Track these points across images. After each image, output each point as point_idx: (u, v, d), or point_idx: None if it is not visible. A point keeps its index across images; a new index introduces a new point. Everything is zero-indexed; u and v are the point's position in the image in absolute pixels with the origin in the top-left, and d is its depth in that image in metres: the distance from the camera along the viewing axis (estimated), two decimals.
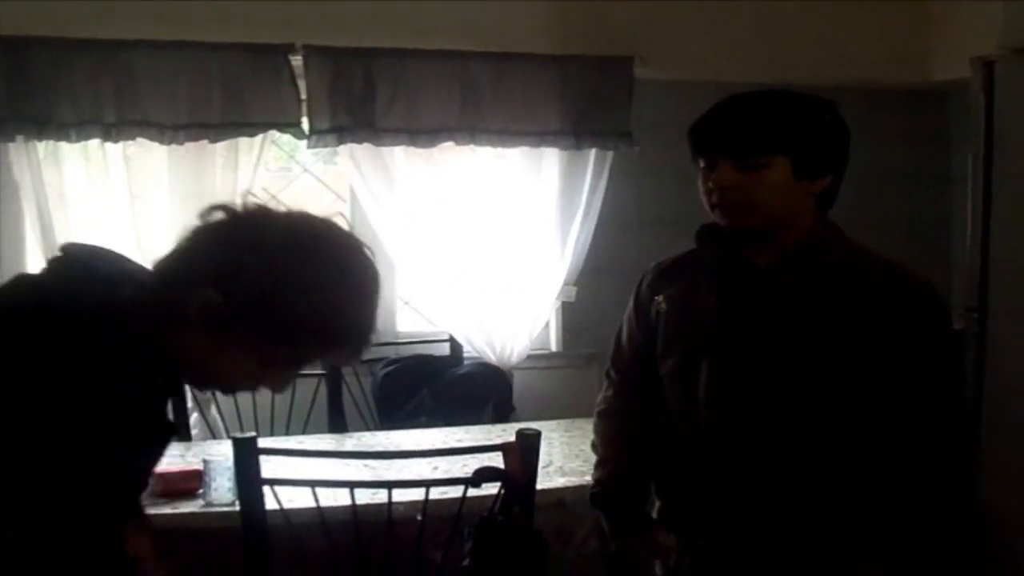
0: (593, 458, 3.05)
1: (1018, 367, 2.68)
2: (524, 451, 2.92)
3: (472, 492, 2.97)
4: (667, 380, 2.75)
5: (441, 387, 5.21)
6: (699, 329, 2.67)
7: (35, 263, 4.63)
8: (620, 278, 5.46)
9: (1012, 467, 2.76)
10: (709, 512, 2.63)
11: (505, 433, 4.27)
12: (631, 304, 2.95)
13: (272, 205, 2.01)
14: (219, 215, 1.97)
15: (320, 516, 3.00)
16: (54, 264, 2.01)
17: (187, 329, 1.91)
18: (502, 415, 5.19)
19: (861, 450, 2.49)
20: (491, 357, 5.36)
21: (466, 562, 2.71)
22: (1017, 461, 2.74)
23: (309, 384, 4.77)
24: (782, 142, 2.55)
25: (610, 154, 5.41)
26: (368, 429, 4.93)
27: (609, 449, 2.97)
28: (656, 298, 2.83)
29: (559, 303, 5.56)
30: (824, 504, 2.50)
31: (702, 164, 2.62)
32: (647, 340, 2.84)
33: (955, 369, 2.28)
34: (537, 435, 2.98)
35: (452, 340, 5.42)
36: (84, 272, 1.98)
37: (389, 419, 5.06)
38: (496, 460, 2.95)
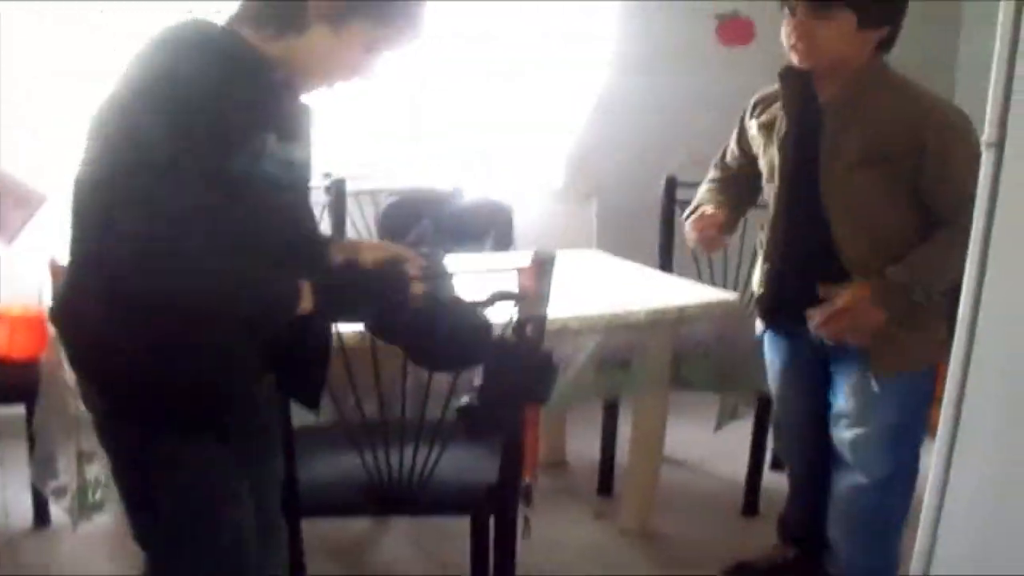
0: (594, 289, 3.83)
1: (1001, 378, 2.64)
2: (539, 272, 2.95)
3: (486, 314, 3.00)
4: (765, 183, 3.54)
5: (443, 217, 5.23)
6: (775, 149, 3.42)
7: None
8: (624, 115, 5.54)
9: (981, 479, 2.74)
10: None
11: (509, 260, 4.32)
12: (737, 127, 3.72)
13: None
14: None
15: (339, 340, 3.03)
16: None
17: (308, 30, 2.15)
18: (502, 247, 5.23)
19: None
20: (491, 190, 5.38)
21: (478, 381, 2.75)
22: (987, 471, 2.72)
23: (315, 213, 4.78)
24: None
25: None
26: None
27: (711, 196, 3.71)
28: (749, 123, 3.59)
29: (563, 138, 5.56)
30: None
31: (785, 11, 3.23)
32: (743, 154, 3.68)
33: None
34: (552, 256, 3.00)
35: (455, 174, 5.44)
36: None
37: None
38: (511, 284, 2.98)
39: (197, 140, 1.99)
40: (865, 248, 3.27)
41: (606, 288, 4.13)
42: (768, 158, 3.48)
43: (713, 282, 4.57)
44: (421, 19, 2.28)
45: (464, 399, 2.78)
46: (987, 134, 2.73)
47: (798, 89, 3.36)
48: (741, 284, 4.56)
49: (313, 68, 2.23)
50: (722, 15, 5.79)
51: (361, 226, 5.09)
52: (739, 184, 3.73)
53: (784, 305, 3.50)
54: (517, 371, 2.77)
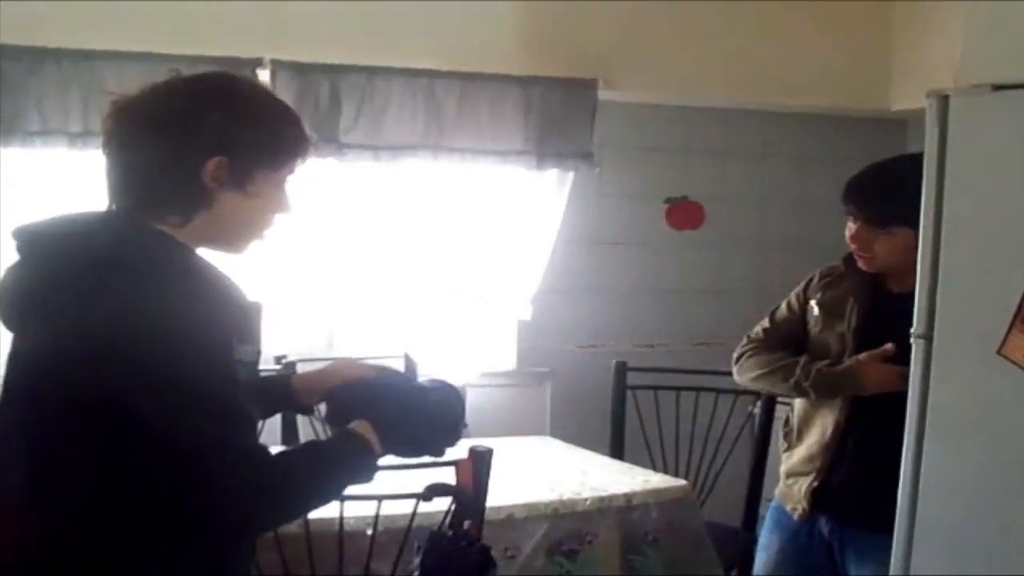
0: (545, 474, 3.77)
1: (960, 396, 2.76)
2: (476, 466, 2.95)
3: (423, 508, 3.00)
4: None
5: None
6: (839, 335, 3.36)
7: None
8: (576, 298, 5.61)
9: (946, 493, 2.82)
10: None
11: (456, 450, 4.30)
12: (793, 297, 3.59)
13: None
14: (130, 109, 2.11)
15: (273, 530, 3.01)
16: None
17: (216, 201, 2.08)
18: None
19: None
20: (445, 375, 5.37)
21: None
22: (952, 474, 2.82)
23: None
24: (905, 214, 3.04)
25: (571, 175, 5.47)
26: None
27: (774, 361, 3.52)
28: (811, 300, 3.50)
29: (515, 322, 5.60)
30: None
31: (848, 214, 3.29)
32: (792, 324, 3.54)
33: None
34: (489, 451, 3.01)
35: (407, 357, 5.43)
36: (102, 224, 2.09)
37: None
38: (448, 477, 2.98)
39: (214, 370, 1.94)
40: None
41: (555, 475, 4.11)
42: (835, 338, 3.40)
43: (665, 468, 4.56)
44: (301, 131, 2.26)
45: None
46: (915, 325, 2.80)
47: (865, 277, 3.36)
48: (693, 470, 4.56)
49: (234, 231, 2.17)
50: (672, 198, 5.88)
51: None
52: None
53: (846, 495, 3.34)
54: (455, 566, 2.75)
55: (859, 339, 3.31)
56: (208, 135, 2.06)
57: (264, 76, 4.92)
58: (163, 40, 4.74)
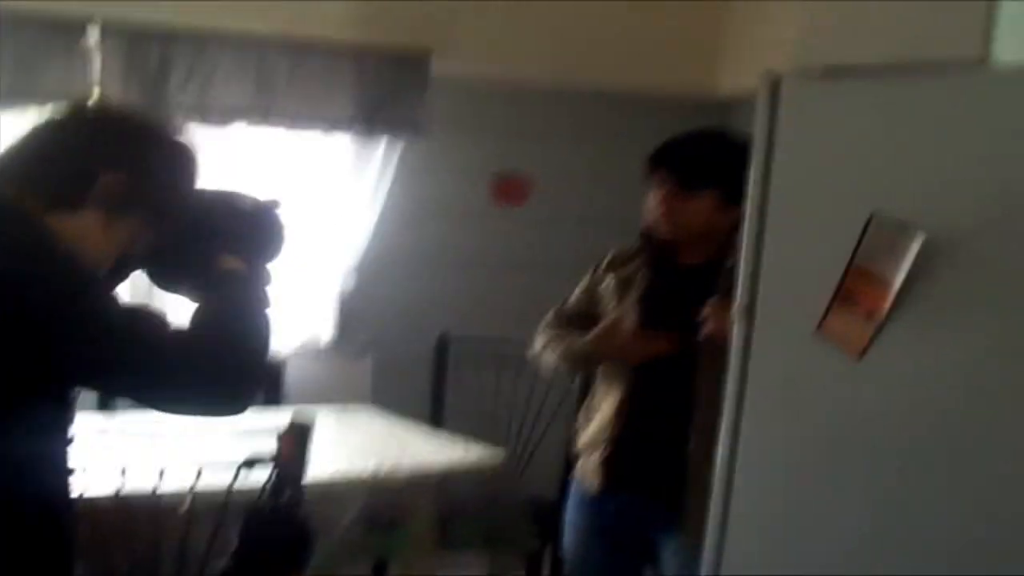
0: (360, 447, 4.03)
1: (779, 373, 2.82)
2: (297, 436, 2.90)
3: (242, 479, 2.95)
4: None
5: None
6: (632, 304, 3.43)
7: None
8: (400, 270, 5.58)
9: (764, 470, 2.88)
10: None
11: (275, 419, 4.25)
12: (585, 280, 3.67)
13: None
14: (79, 112, 2.25)
15: (88, 502, 2.93)
16: None
17: (82, 211, 2.12)
18: (272, 402, 5.14)
19: None
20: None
21: (232, 548, 2.69)
22: (772, 462, 2.87)
23: None
24: (713, 177, 3.30)
25: (400, 145, 5.43)
26: (136, 409, 4.82)
27: (554, 337, 3.63)
28: (605, 275, 3.57)
29: (337, 292, 5.56)
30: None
31: (650, 184, 3.39)
32: (589, 302, 3.61)
33: None
34: (312, 419, 2.96)
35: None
36: None
37: None
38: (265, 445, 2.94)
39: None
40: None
41: (374, 447, 4.09)
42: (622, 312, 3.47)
43: (488, 438, 4.57)
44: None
45: (220, 564, 2.70)
46: (738, 302, 2.85)
47: (659, 251, 3.45)
48: (513, 440, 4.58)
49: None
50: (498, 172, 5.88)
51: None
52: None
53: (634, 466, 3.43)
54: (273, 538, 2.71)
55: (643, 309, 3.40)
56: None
57: (93, 38, 4.78)
58: None
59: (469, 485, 3.94)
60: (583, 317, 3.60)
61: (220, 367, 2.10)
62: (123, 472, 2.94)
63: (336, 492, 3.61)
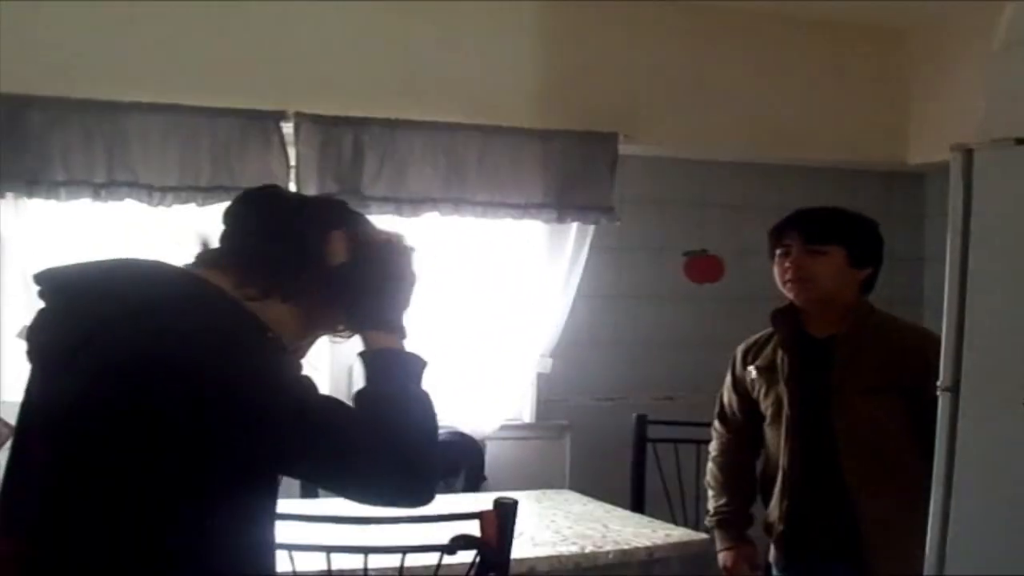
0: (566, 528, 4.05)
1: (987, 447, 2.75)
2: (501, 519, 2.94)
3: (447, 560, 2.99)
4: (767, 425, 3.77)
5: None
6: (782, 387, 3.65)
7: (10, 318, 4.57)
8: (595, 351, 5.60)
9: (976, 546, 2.81)
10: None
11: (476, 502, 4.29)
12: (729, 377, 3.95)
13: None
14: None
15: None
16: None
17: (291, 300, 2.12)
18: (473, 485, 5.20)
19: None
20: (464, 427, 5.37)
21: None
22: (981, 536, 2.80)
23: None
24: (840, 234, 3.57)
25: (591, 228, 5.48)
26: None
27: (723, 489, 3.93)
28: (748, 368, 3.82)
29: (534, 374, 5.60)
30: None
31: (779, 252, 3.63)
32: (743, 401, 3.87)
33: None
34: (514, 504, 3.00)
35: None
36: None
37: None
38: (470, 529, 2.97)
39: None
40: (866, 470, 3.49)
41: (576, 529, 4.10)
42: (774, 397, 3.71)
43: (685, 521, 4.55)
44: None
45: None
46: (942, 378, 2.80)
47: (793, 329, 3.69)
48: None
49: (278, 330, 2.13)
50: (691, 252, 5.88)
51: None
52: (744, 452, 3.93)
53: (807, 538, 3.64)
54: None
55: (791, 390, 3.63)
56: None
57: (288, 129, 4.95)
58: (188, 92, 4.79)
59: (673, 566, 3.93)
60: (742, 411, 3.90)
61: (404, 456, 2.05)
62: (329, 554, 3.00)
63: (540, 573, 3.63)
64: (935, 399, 3.12)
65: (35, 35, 4.65)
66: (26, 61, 4.61)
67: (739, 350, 3.91)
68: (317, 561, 3.03)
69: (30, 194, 4.69)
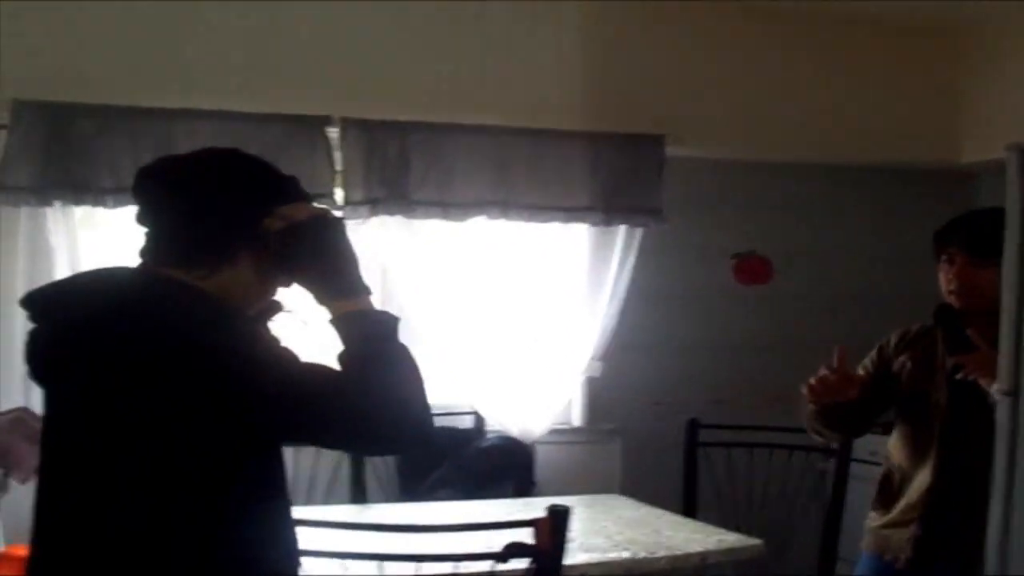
0: (617, 533, 3.99)
1: None
2: (555, 527, 2.91)
3: (500, 567, 2.96)
4: (901, 416, 3.61)
5: (463, 460, 5.21)
6: (936, 385, 3.46)
7: None
8: (645, 354, 5.58)
9: None
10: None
11: (527, 508, 4.27)
12: (876, 352, 3.69)
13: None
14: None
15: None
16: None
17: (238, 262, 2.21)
18: (523, 490, 5.18)
19: None
20: (514, 431, 5.36)
21: None
22: None
23: (332, 454, 4.78)
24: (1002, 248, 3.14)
25: (639, 231, 5.45)
26: (388, 501, 4.93)
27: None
28: (901, 357, 3.59)
29: (584, 378, 5.58)
30: None
31: (944, 259, 3.46)
32: (877, 383, 3.59)
33: None
34: (567, 511, 2.97)
35: (476, 413, 5.43)
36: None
37: (410, 491, 5.06)
38: (520, 536, 2.95)
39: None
40: None
41: (628, 535, 4.07)
42: (923, 396, 3.49)
43: (737, 527, 4.50)
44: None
45: None
46: (1000, 381, 2.75)
47: (956, 329, 3.43)
48: (766, 529, 4.51)
49: (240, 296, 2.25)
50: (739, 253, 5.85)
51: (380, 467, 5.06)
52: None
53: (946, 541, 3.42)
54: None
55: (951, 388, 3.40)
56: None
57: (334, 134, 4.95)
58: (233, 98, 4.79)
59: (726, 572, 3.89)
60: (876, 379, 3.62)
61: (393, 408, 2.12)
62: (381, 563, 2.98)
63: None
64: None
65: (82, 43, 4.69)
66: (73, 68, 4.65)
67: (893, 336, 3.68)
68: (369, 569, 3.02)
69: (77, 202, 4.71)
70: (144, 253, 2.24)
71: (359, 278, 2.24)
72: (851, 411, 3.55)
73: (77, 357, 2.11)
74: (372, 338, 2.17)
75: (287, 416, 2.07)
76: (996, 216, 3.30)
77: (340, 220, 2.30)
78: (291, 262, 2.20)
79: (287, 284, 2.29)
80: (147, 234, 2.24)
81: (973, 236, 3.43)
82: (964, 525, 3.31)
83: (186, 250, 2.19)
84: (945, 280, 3.48)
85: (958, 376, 3.29)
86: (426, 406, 2.18)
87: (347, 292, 2.21)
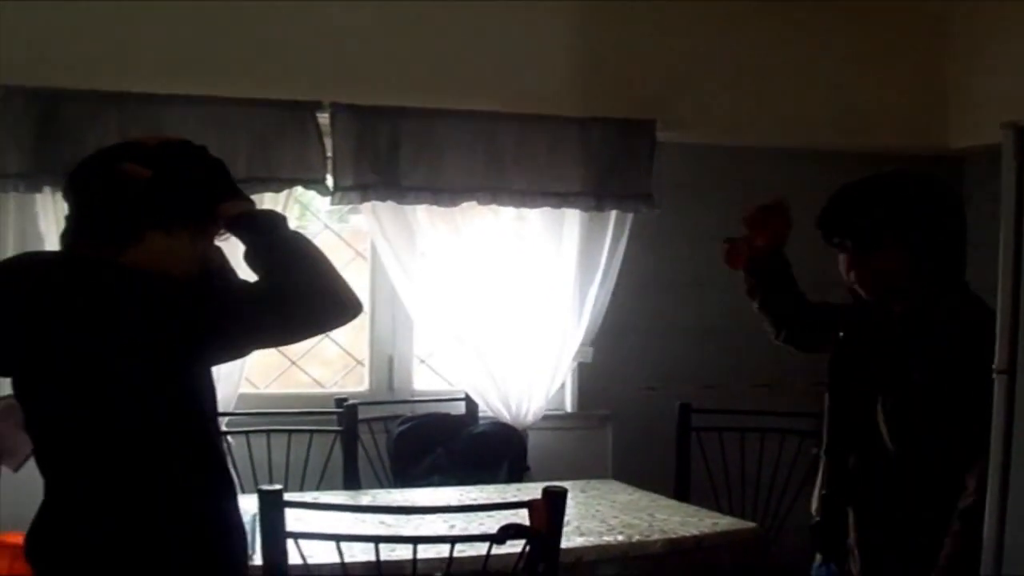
0: (612, 517, 4.01)
1: None
2: (551, 508, 2.91)
3: (496, 549, 2.96)
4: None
5: (456, 445, 5.21)
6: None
7: None
8: (636, 339, 5.56)
9: None
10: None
11: (521, 493, 4.28)
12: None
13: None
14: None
15: (344, 571, 2.99)
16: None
17: (144, 239, 2.38)
18: (516, 475, 5.18)
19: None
20: (506, 416, 5.35)
21: None
22: None
23: (324, 441, 4.79)
24: (887, 233, 3.05)
25: (630, 216, 5.45)
26: (382, 487, 4.94)
27: None
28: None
29: (575, 364, 5.57)
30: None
31: (835, 243, 3.16)
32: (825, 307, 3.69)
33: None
34: (564, 492, 2.97)
35: (468, 399, 5.43)
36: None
37: (403, 477, 5.06)
38: (518, 518, 2.95)
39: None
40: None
41: (623, 518, 4.07)
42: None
43: (731, 510, 4.51)
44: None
45: None
46: (997, 360, 2.74)
47: (865, 306, 3.27)
48: (759, 513, 4.51)
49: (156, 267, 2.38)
50: (730, 238, 5.83)
51: (373, 453, 5.06)
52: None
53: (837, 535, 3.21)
54: None
55: (840, 345, 3.37)
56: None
57: (324, 119, 4.94)
58: (223, 84, 4.78)
59: (722, 554, 3.89)
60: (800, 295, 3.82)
61: (312, 285, 2.33)
62: (377, 545, 2.98)
63: (588, 562, 3.60)
64: None
65: (70, 29, 4.67)
66: (62, 54, 4.64)
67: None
68: (366, 552, 3.02)
69: None
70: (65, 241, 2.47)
71: (231, 184, 2.48)
72: (786, 301, 3.83)
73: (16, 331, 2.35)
74: (268, 230, 2.38)
75: (220, 317, 2.30)
76: (872, 188, 3.23)
77: (185, 139, 2.51)
78: (171, 182, 2.38)
79: (202, 237, 2.45)
80: (67, 218, 2.48)
81: (851, 228, 3.14)
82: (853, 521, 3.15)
83: (92, 233, 2.41)
84: (842, 271, 3.20)
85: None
86: (339, 275, 2.38)
87: (228, 197, 2.44)
